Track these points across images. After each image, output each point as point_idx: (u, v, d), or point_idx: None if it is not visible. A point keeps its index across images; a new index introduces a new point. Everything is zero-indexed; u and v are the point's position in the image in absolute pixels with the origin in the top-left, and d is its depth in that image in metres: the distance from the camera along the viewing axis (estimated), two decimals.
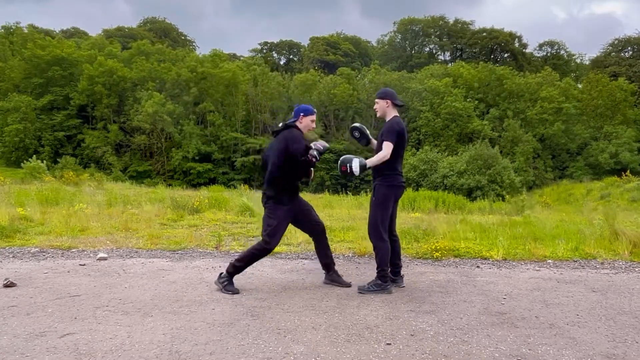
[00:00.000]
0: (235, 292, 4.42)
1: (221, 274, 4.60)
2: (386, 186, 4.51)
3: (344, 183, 43.46)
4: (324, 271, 4.91)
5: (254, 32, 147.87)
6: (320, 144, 4.54)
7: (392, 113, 4.63)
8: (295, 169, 4.46)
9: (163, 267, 5.49)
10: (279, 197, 4.50)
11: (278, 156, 4.46)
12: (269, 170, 4.56)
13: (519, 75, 53.63)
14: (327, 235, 4.86)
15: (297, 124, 4.61)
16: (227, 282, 4.50)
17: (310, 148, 4.46)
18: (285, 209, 4.52)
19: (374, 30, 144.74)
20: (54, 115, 46.71)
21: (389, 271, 4.60)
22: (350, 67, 59.23)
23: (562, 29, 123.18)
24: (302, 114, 4.62)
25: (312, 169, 4.57)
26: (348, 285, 4.76)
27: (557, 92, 48.28)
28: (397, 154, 4.52)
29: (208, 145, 45.73)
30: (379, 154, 4.44)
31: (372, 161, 4.42)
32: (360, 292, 4.52)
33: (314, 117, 4.67)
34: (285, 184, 4.51)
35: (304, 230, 4.90)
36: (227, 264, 4.74)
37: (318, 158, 4.40)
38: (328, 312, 3.92)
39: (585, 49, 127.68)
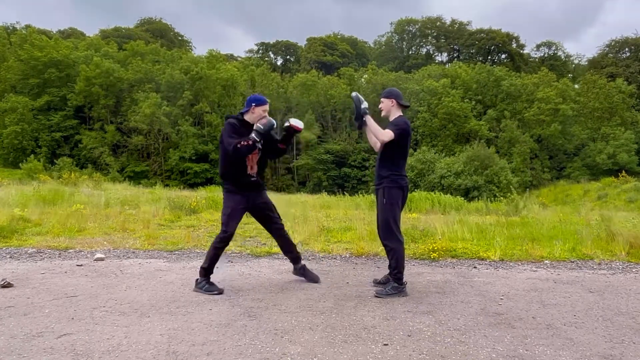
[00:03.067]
0: (220, 291, 4.38)
1: (197, 279, 4.54)
2: (395, 187, 4.45)
3: (341, 184, 43.50)
4: (292, 264, 4.99)
5: (211, 14, 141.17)
6: (262, 122, 4.35)
7: (396, 113, 4.58)
8: (231, 159, 4.38)
9: (160, 268, 5.48)
10: (227, 187, 4.53)
11: (220, 148, 4.49)
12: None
13: (516, 76, 53.78)
14: (286, 232, 4.86)
15: (250, 113, 4.51)
16: (206, 284, 4.44)
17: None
18: (236, 198, 4.50)
19: (342, 13, 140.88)
20: (51, 115, 46.64)
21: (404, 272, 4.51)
22: (350, 68, 59.30)
23: (539, 10, 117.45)
24: (253, 104, 4.51)
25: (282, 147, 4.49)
26: (316, 279, 4.86)
27: (554, 93, 48.40)
28: (401, 154, 4.50)
29: (205, 145, 45.72)
30: (378, 128, 4.43)
31: (371, 123, 4.47)
32: (378, 297, 4.35)
33: (266, 107, 4.56)
34: (228, 174, 4.49)
35: (264, 227, 4.88)
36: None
37: (257, 139, 4.27)
38: (325, 312, 3.92)
39: (567, 32, 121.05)
